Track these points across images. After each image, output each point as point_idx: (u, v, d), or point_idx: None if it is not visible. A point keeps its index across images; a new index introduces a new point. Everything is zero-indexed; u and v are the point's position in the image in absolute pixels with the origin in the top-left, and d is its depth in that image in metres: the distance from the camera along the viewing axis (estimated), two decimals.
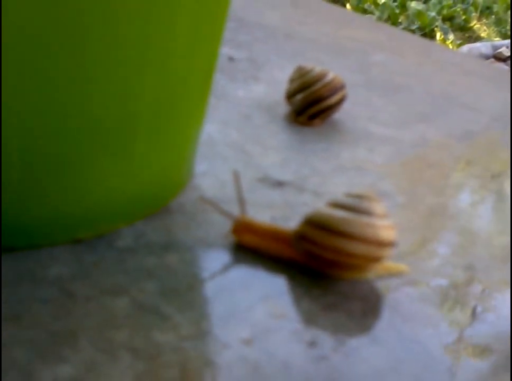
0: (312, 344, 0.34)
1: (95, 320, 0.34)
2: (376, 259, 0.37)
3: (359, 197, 0.37)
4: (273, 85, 0.60)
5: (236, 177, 0.41)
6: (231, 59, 0.65)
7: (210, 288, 0.37)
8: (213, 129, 0.52)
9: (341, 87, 0.54)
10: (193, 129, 0.42)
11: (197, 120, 0.42)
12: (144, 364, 0.32)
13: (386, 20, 2.38)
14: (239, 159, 0.49)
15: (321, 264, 0.38)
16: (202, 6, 0.38)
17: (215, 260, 0.39)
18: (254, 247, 0.39)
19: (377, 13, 2.40)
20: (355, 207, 0.37)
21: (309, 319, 0.35)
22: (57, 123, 0.35)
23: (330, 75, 0.54)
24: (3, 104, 0.33)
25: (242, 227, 0.40)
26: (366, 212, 0.37)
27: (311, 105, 0.54)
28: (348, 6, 2.46)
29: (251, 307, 0.36)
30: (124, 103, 0.36)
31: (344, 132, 0.54)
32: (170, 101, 0.39)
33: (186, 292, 0.36)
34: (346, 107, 0.55)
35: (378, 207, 0.37)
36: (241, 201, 0.40)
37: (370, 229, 0.36)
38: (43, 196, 0.36)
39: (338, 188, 0.46)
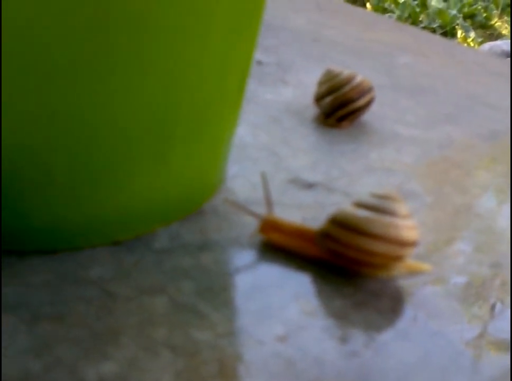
0: (343, 340, 0.35)
1: (135, 319, 0.35)
2: (398, 258, 0.38)
3: (383, 197, 0.38)
4: (301, 89, 0.61)
5: (264, 178, 0.42)
6: (259, 62, 0.66)
7: (243, 287, 0.38)
8: (243, 132, 0.53)
9: (369, 90, 0.55)
10: (227, 133, 0.44)
11: (231, 124, 0.44)
12: (184, 360, 0.33)
13: (407, 19, 2.38)
14: (270, 161, 0.50)
15: (344, 262, 0.39)
16: (237, 13, 0.39)
17: (247, 259, 0.40)
18: (280, 245, 0.41)
19: (397, 12, 2.40)
20: (378, 207, 0.38)
21: (340, 317, 0.36)
22: (99, 130, 0.36)
23: (359, 78, 0.55)
24: (51, 114, 0.34)
25: (268, 226, 0.41)
26: (389, 213, 0.37)
27: (340, 107, 0.55)
28: (368, 5, 2.46)
29: (284, 305, 0.37)
30: (162, 111, 0.37)
31: (372, 133, 0.55)
32: (206, 108, 0.40)
33: (221, 291, 0.37)
34: (373, 108, 0.56)
35: (401, 208, 0.38)
36: (268, 201, 0.41)
37: (392, 229, 0.37)
38: (84, 200, 0.38)
39: (367, 189, 0.47)
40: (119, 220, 0.40)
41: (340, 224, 0.38)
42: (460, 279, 0.40)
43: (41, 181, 0.37)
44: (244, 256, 0.40)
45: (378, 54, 0.70)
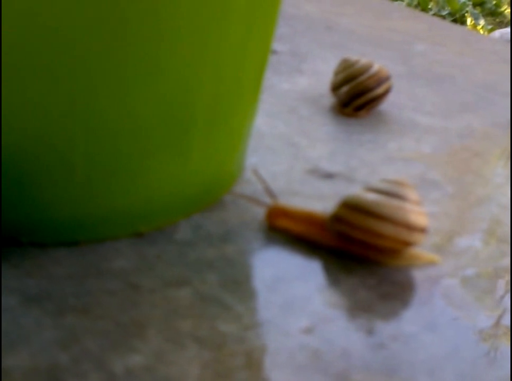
0: (370, 332, 0.35)
1: (161, 311, 0.35)
2: (406, 243, 0.38)
3: (393, 182, 0.39)
4: (317, 78, 0.61)
5: (256, 172, 0.44)
6: (274, 51, 0.65)
7: (266, 278, 0.38)
8: (260, 122, 0.53)
9: (386, 78, 0.55)
10: (246, 124, 0.43)
11: (249, 115, 0.43)
12: (210, 353, 0.33)
13: (416, 6, 2.36)
14: (288, 151, 0.50)
15: (354, 247, 0.39)
16: (255, 2, 0.38)
17: (270, 250, 0.40)
18: (289, 231, 0.41)
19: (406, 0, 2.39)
20: (388, 191, 0.38)
21: (365, 308, 0.36)
22: (119, 122, 0.36)
23: (376, 67, 0.55)
24: (71, 105, 0.34)
25: (276, 213, 0.41)
26: (398, 197, 0.38)
27: (357, 97, 0.54)
28: None
29: (308, 297, 0.37)
30: (180, 102, 0.37)
31: (390, 123, 0.55)
32: (224, 98, 0.40)
33: (245, 283, 0.37)
34: (390, 97, 0.56)
35: (411, 193, 0.38)
36: (268, 191, 0.42)
37: (400, 212, 0.37)
38: (106, 192, 0.38)
39: None
40: (140, 211, 0.39)
41: (350, 206, 0.38)
42: (487, 269, 0.39)
43: (61, 172, 0.36)
44: (266, 247, 0.40)
45: (393, 43, 0.70)
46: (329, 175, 0.47)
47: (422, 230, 0.38)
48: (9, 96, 0.34)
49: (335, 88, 0.56)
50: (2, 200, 0.37)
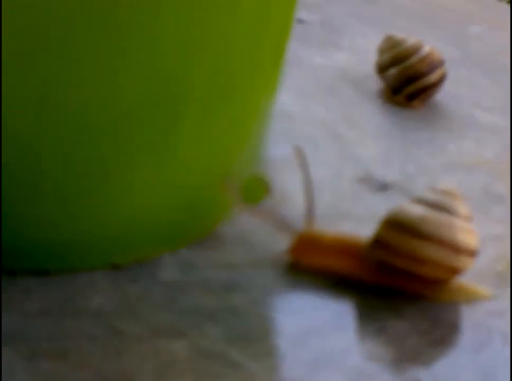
0: None
1: (151, 364, 0.29)
2: (452, 270, 0.33)
3: (443, 192, 0.35)
4: (357, 55, 0.56)
5: (300, 153, 0.36)
6: (300, 21, 0.60)
7: (290, 331, 0.32)
8: (288, 100, 0.47)
9: (440, 63, 0.49)
10: (255, 121, 0.35)
11: (265, 105, 0.36)
12: None
13: None
14: (331, 145, 0.44)
15: (392, 280, 0.34)
16: None
17: (291, 295, 0.34)
18: (316, 266, 0.35)
19: None
20: (435, 203, 0.34)
21: (414, 358, 0.31)
22: (94, 114, 0.30)
23: (426, 49, 0.49)
24: (40, 97, 0.30)
25: (304, 245, 0.35)
26: (446, 210, 0.34)
27: (408, 83, 0.49)
28: None
29: (345, 350, 0.30)
30: (169, 84, 0.31)
31: (448, 118, 0.49)
32: (230, 81, 0.33)
33: (260, 338, 0.31)
34: (446, 87, 0.50)
35: (461, 206, 0.34)
36: (308, 206, 0.35)
37: (447, 229, 0.33)
38: (74, 214, 0.33)
39: None
40: (115, 237, 0.34)
41: (393, 224, 0.34)
42: None
43: (27, 186, 0.32)
44: (284, 291, 0.34)
45: (445, 22, 0.64)
46: (382, 186, 0.41)
47: (471, 253, 0.34)
48: None
49: (382, 69, 0.50)
50: None
